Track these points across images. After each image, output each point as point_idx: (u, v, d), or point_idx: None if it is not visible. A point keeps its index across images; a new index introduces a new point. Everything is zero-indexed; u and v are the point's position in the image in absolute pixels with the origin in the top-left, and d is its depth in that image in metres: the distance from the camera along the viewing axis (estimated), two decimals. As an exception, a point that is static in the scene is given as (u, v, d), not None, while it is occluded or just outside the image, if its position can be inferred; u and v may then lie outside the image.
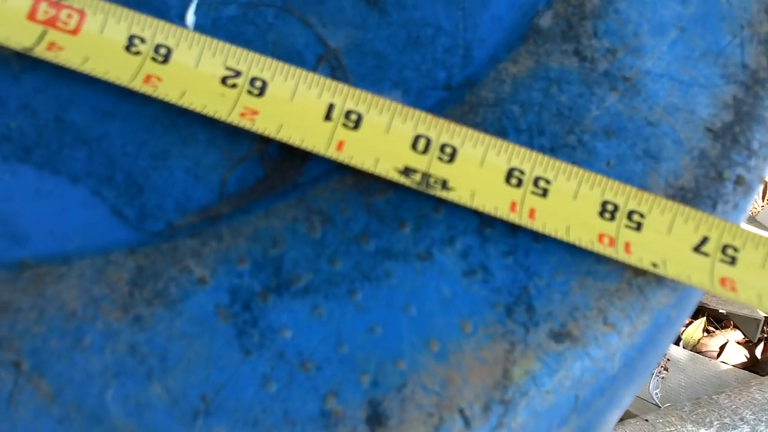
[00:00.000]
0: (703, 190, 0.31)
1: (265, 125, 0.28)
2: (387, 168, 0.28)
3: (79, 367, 0.25)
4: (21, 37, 0.28)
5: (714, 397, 0.99)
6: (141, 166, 0.28)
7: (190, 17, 0.30)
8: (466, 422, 0.26)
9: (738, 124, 0.32)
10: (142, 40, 0.29)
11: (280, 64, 0.29)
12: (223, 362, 0.26)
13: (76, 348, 0.25)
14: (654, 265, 0.29)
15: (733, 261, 0.29)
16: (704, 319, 1.19)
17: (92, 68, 0.28)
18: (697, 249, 0.29)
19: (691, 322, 1.19)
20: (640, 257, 0.29)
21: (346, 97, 0.29)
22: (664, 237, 0.29)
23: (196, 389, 0.25)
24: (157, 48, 0.29)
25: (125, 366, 0.25)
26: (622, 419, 0.97)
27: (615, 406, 0.32)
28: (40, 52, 0.28)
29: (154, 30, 0.29)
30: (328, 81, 0.29)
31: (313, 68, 0.30)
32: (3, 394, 0.24)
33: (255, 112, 0.28)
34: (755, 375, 1.09)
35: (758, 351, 1.16)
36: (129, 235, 0.27)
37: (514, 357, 0.27)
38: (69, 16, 0.29)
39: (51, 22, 0.29)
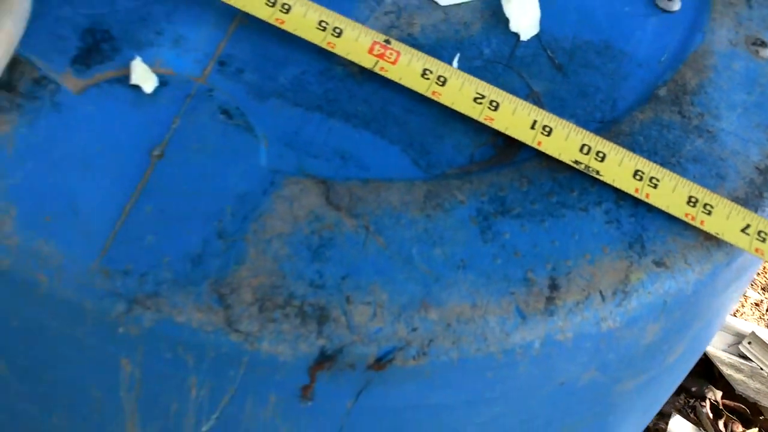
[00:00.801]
0: (750, 200, 0.50)
1: (498, 125, 0.49)
2: (566, 158, 0.48)
3: (401, 231, 0.45)
4: (364, 61, 0.49)
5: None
6: (429, 140, 0.48)
7: (455, 63, 0.51)
8: (603, 298, 0.45)
9: (774, 160, 0.51)
10: (431, 71, 0.49)
11: (506, 93, 0.49)
12: (471, 247, 0.45)
13: (397, 222, 0.45)
14: (717, 233, 0.48)
15: (764, 240, 0.48)
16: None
17: (404, 83, 0.49)
18: (743, 230, 0.48)
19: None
20: (709, 228, 0.48)
21: (544, 116, 0.49)
22: (724, 220, 0.48)
23: (457, 257, 0.45)
24: (439, 77, 0.49)
25: (421, 235, 0.45)
26: None
27: (689, 322, 0.50)
28: (375, 70, 0.49)
29: (437, 66, 0.50)
30: (533, 106, 0.49)
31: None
32: (359, 242, 0.44)
33: (491, 119, 0.49)
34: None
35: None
36: (422, 174, 0.47)
37: (632, 269, 0.46)
38: (391, 53, 0.50)
39: (381, 56, 0.50)
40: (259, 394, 0.43)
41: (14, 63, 0.44)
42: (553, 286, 0.43)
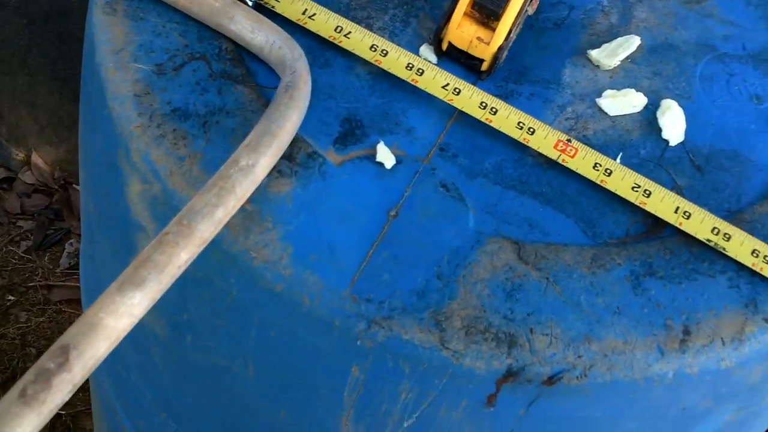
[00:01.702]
0: None
1: (649, 208, 0.60)
2: (700, 236, 0.59)
3: (572, 282, 0.57)
4: (550, 153, 0.61)
5: None
6: (596, 216, 0.60)
7: (618, 160, 0.63)
8: (723, 343, 0.55)
9: None
10: (600, 165, 0.62)
11: (657, 185, 0.61)
12: (625, 298, 0.57)
13: (569, 276, 0.57)
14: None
15: None
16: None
17: (580, 172, 0.61)
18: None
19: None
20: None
21: (685, 204, 0.61)
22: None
23: (614, 305, 0.57)
24: (606, 169, 0.62)
25: (588, 286, 0.57)
26: None
27: None
28: (558, 161, 0.62)
29: (605, 161, 0.62)
30: (677, 196, 0.61)
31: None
32: (541, 289, 0.56)
33: (645, 203, 0.61)
34: None
35: None
36: (589, 242, 0.59)
37: (746, 323, 0.54)
38: (571, 149, 0.61)
39: (563, 151, 0.61)
40: (453, 400, 0.55)
41: (295, 141, 0.58)
42: (686, 332, 0.54)
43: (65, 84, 1.71)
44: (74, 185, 1.82)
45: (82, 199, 0.74)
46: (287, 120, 0.54)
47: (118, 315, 0.45)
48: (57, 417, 1.56)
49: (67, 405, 1.50)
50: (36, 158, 1.82)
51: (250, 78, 0.60)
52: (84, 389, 1.56)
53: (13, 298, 1.68)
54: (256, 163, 0.51)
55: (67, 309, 1.68)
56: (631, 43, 0.66)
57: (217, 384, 0.61)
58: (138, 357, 0.66)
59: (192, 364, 0.62)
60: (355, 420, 0.56)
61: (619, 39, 0.66)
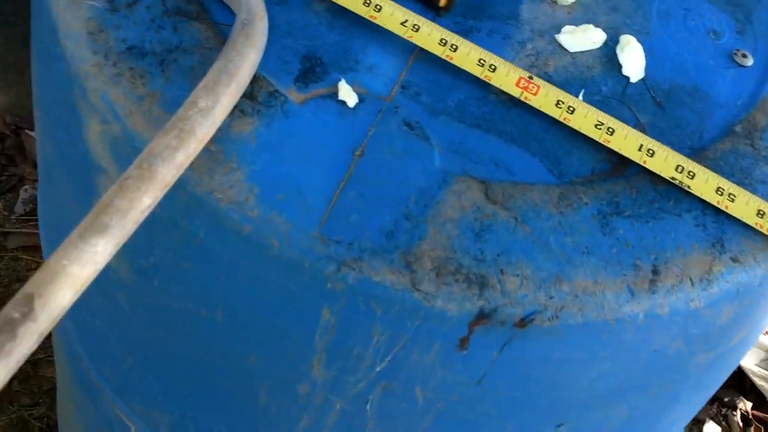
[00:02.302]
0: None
1: (613, 146, 0.58)
2: (664, 174, 0.57)
3: (540, 222, 0.55)
4: (512, 91, 0.59)
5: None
6: (560, 154, 0.58)
7: (581, 97, 0.61)
8: (692, 283, 0.54)
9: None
10: (563, 102, 0.59)
11: (619, 122, 0.59)
12: (593, 238, 0.55)
13: (537, 216, 0.55)
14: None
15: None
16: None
17: (542, 110, 0.59)
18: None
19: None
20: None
21: (648, 141, 0.59)
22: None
23: (582, 245, 0.55)
24: (569, 107, 0.59)
25: (556, 226, 0.55)
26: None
27: (754, 309, 0.60)
28: (521, 99, 0.59)
29: (567, 98, 0.59)
30: (640, 133, 0.59)
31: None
32: (510, 228, 0.54)
33: (608, 141, 0.58)
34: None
35: None
36: (555, 180, 0.57)
37: (714, 263, 0.54)
38: (533, 87, 0.59)
39: (525, 88, 0.59)
40: (425, 343, 0.53)
41: (255, 79, 0.55)
42: (655, 272, 0.53)
43: (12, 27, 1.64)
44: (26, 130, 1.76)
45: (37, 142, 0.70)
46: (245, 59, 0.50)
47: (82, 262, 0.42)
48: (15, 362, 1.52)
49: (24, 349, 1.46)
50: (-14, 104, 1.76)
51: (205, 15, 0.56)
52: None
53: (-33, 245, 1.63)
54: (216, 103, 0.48)
55: (23, 256, 1.64)
56: (589, -21, 0.63)
57: (185, 329, 0.58)
58: (103, 302, 0.63)
59: (159, 309, 0.59)
60: (327, 363, 0.54)
61: (577, -25, 0.63)
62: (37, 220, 1.56)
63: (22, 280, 1.58)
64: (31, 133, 1.74)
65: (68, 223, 0.61)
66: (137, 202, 0.45)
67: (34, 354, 1.52)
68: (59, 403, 1.10)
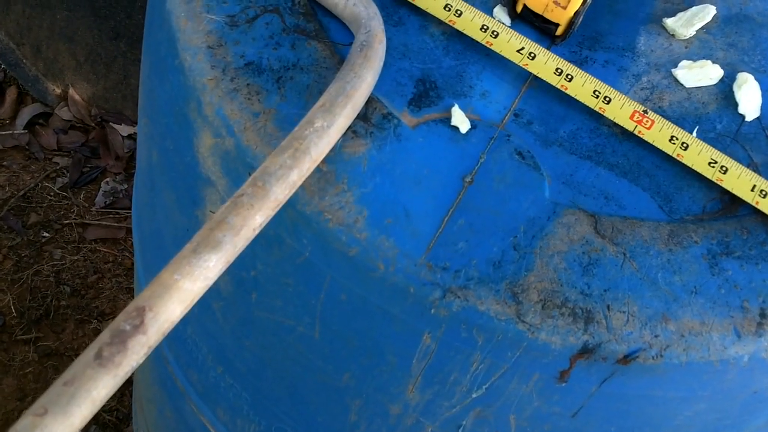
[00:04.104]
0: None
1: (726, 185, 0.58)
2: None
3: (649, 259, 0.55)
4: (626, 124, 0.59)
5: None
6: (672, 191, 0.58)
7: (695, 133, 0.61)
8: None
9: None
10: (676, 138, 0.59)
11: (733, 161, 0.59)
12: (702, 278, 0.55)
13: (646, 252, 0.55)
14: None
15: None
16: None
17: (656, 145, 0.59)
18: None
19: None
20: None
21: (762, 182, 0.59)
22: None
23: (691, 284, 0.55)
24: (683, 143, 0.59)
25: (665, 264, 0.55)
26: None
27: None
28: (634, 132, 0.59)
29: (681, 134, 0.59)
30: (753, 173, 0.59)
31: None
32: (618, 264, 0.54)
33: (721, 180, 0.58)
34: None
35: None
36: (666, 217, 0.57)
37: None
38: (647, 121, 0.59)
39: (639, 122, 0.59)
40: (525, 373, 0.53)
41: (369, 101, 0.56)
42: (763, 315, 0.52)
43: (104, 21, 1.68)
44: (111, 123, 1.80)
45: (140, 147, 0.72)
46: (362, 80, 0.51)
47: (194, 278, 0.44)
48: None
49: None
50: (73, 94, 1.80)
51: (323, 33, 0.57)
52: (118, 327, 1.55)
53: (48, 234, 1.67)
54: (331, 124, 0.49)
55: (101, 248, 1.67)
56: (707, 12, 0.63)
57: (280, 343, 0.59)
58: (197, 310, 0.64)
59: (255, 322, 0.60)
60: (422, 387, 0.55)
61: (695, 8, 0.64)
62: (116, 213, 1.60)
63: (100, 272, 1.61)
64: (116, 127, 1.78)
65: (169, 229, 0.63)
66: (250, 220, 0.46)
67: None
68: (138, 400, 1.12)
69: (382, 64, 0.53)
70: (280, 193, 0.47)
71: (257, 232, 0.46)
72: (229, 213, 0.46)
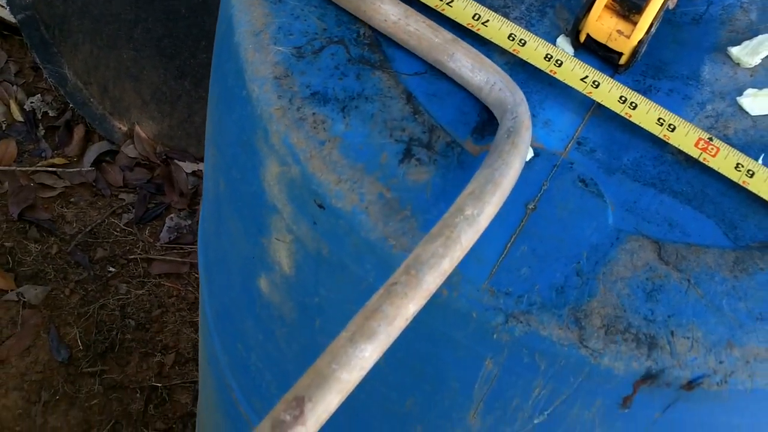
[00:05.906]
0: None
1: None
2: None
3: (714, 286, 0.55)
4: (690, 152, 0.60)
5: None
6: (737, 218, 0.59)
7: (761, 161, 0.61)
8: None
9: None
10: (742, 166, 0.60)
11: None
12: None
13: (711, 279, 0.55)
14: None
15: None
16: None
17: (721, 172, 0.59)
18: None
19: None
20: None
21: None
22: None
23: (756, 311, 0.55)
24: (749, 170, 0.60)
25: (730, 290, 0.55)
26: None
27: None
28: (699, 159, 0.60)
29: (747, 162, 0.60)
30: None
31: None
32: (682, 291, 0.55)
33: None
34: None
35: None
36: (731, 244, 0.57)
37: None
38: (712, 148, 0.59)
39: (704, 150, 0.60)
40: (587, 399, 0.54)
41: (433, 129, 0.57)
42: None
43: (170, 60, 1.72)
44: (175, 160, 1.84)
45: (206, 176, 0.74)
46: (510, 168, 0.52)
47: (351, 368, 0.44)
48: (153, 389, 1.58)
49: (163, 378, 1.52)
50: (139, 132, 1.84)
51: (387, 64, 0.59)
52: (180, 363, 1.58)
53: (114, 269, 1.71)
54: (481, 212, 0.50)
55: (165, 282, 1.70)
56: (773, 41, 0.64)
57: (344, 369, 0.60)
58: (261, 337, 0.66)
59: (319, 348, 0.61)
60: (484, 413, 0.56)
61: (760, 37, 0.64)
62: (180, 249, 1.63)
63: (164, 306, 1.64)
64: (180, 164, 1.81)
65: (234, 258, 0.64)
66: (403, 309, 0.47)
67: (170, 379, 1.58)
68: (201, 430, 1.14)
69: (528, 149, 0.54)
70: (431, 282, 0.48)
71: (409, 321, 0.47)
72: (384, 302, 0.46)
